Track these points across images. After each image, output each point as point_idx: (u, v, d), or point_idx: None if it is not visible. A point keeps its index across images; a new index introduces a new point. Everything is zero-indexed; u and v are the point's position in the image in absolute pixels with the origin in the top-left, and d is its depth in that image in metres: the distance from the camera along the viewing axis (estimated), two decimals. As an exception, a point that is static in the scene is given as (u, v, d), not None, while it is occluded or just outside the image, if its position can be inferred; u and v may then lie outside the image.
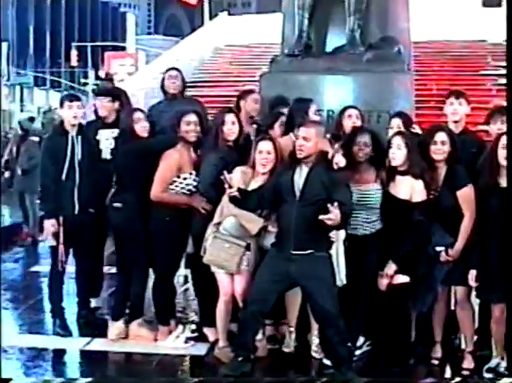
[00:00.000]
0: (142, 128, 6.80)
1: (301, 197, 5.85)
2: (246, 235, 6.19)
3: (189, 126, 6.59)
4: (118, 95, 7.85)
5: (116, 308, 7.05)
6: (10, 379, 5.43)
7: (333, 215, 5.53)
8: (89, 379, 6.14)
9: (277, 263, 5.95)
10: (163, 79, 8.12)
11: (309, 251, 5.83)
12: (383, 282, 6.03)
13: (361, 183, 6.21)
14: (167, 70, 8.28)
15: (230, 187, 5.96)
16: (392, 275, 6.00)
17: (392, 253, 6.01)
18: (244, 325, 6.11)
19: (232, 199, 6.03)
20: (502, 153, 5.81)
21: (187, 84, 8.25)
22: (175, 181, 6.55)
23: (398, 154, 6.02)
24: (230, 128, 6.54)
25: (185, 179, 6.55)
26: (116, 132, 7.32)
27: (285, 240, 5.92)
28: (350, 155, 6.24)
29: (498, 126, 6.45)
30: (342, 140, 6.51)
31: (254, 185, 6.20)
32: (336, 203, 5.56)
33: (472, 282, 5.97)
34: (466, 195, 5.98)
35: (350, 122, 6.81)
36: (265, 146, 6.21)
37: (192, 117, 6.67)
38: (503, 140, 5.84)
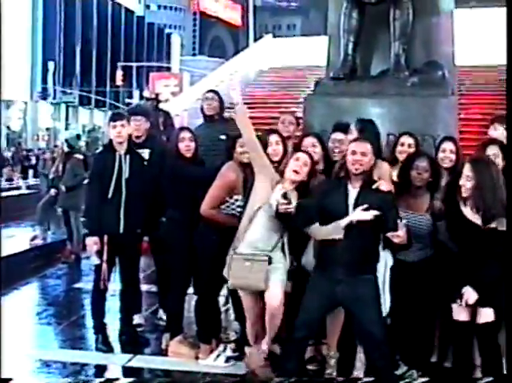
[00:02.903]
0: (186, 147, 6.87)
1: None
2: (264, 250, 6.04)
3: (243, 148, 6.54)
4: (148, 115, 7.92)
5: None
6: (10, 379, 5.50)
7: (402, 232, 5.47)
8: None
9: (323, 287, 5.77)
10: (202, 101, 8.20)
11: (356, 274, 5.70)
12: (460, 312, 5.77)
13: (415, 209, 6.22)
14: (205, 93, 8.36)
15: (289, 203, 5.93)
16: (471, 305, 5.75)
17: (466, 280, 5.74)
18: (290, 352, 5.97)
19: (282, 216, 5.97)
20: None
21: (226, 105, 8.27)
22: (226, 201, 6.55)
23: (467, 185, 5.72)
24: (275, 149, 6.57)
25: (236, 200, 6.54)
26: (146, 152, 7.41)
27: (332, 263, 5.73)
28: (407, 180, 6.28)
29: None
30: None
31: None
32: (403, 221, 5.54)
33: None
34: None
35: (402, 149, 6.82)
36: (303, 156, 6.21)
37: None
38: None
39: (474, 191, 5.59)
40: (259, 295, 6.13)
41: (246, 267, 5.99)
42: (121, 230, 7.04)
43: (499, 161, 6.07)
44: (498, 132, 6.85)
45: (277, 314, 6.04)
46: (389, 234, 5.50)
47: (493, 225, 5.52)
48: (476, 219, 5.61)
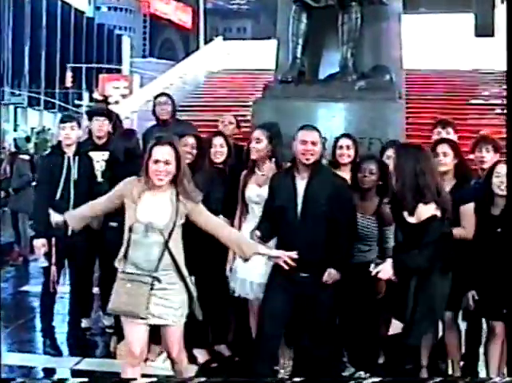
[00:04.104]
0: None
1: (303, 212, 5.75)
2: (149, 270, 5.13)
3: (186, 148, 6.62)
4: (112, 117, 7.94)
5: None
6: (12, 379, 5.47)
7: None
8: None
9: (282, 283, 5.74)
10: (154, 105, 8.22)
11: (315, 270, 5.73)
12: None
13: (363, 211, 6.33)
14: (157, 96, 8.37)
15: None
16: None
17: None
18: (261, 353, 5.89)
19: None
20: (496, 181, 5.91)
21: (178, 108, 8.32)
22: None
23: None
24: (219, 151, 6.72)
25: None
26: (106, 154, 7.39)
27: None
28: (355, 182, 6.37)
29: (482, 154, 6.63)
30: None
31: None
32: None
33: (471, 303, 6.01)
34: (468, 210, 6.04)
35: (340, 152, 6.91)
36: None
37: (190, 140, 6.78)
38: (498, 168, 5.94)
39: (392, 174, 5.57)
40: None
41: (127, 289, 5.14)
42: (69, 233, 7.01)
43: (449, 159, 6.18)
44: (441, 135, 7.00)
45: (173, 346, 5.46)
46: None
47: (424, 215, 5.34)
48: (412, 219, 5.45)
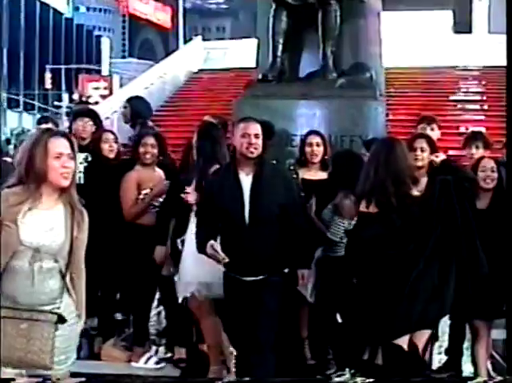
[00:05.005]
0: (110, 148, 6.88)
1: (252, 214, 5.34)
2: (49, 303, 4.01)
3: (146, 148, 6.71)
4: (95, 117, 7.90)
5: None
6: (12, 379, 5.43)
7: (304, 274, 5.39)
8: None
9: (236, 289, 5.44)
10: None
11: (264, 273, 5.38)
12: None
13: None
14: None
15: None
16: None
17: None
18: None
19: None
20: (481, 175, 5.94)
21: (158, 108, 8.31)
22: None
23: None
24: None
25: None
26: (89, 156, 7.39)
27: (237, 260, 5.28)
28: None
29: (472, 151, 6.68)
30: None
31: None
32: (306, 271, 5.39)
33: None
34: None
35: (310, 150, 6.90)
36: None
37: (150, 140, 6.80)
38: (483, 163, 6.00)
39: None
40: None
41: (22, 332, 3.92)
42: None
43: (426, 155, 6.20)
44: (426, 132, 7.03)
45: None
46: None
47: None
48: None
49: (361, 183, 5.37)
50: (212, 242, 5.23)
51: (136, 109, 8.27)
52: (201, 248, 5.36)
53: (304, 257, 5.63)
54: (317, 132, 7.04)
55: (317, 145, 6.86)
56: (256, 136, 5.36)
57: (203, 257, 5.40)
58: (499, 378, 5.72)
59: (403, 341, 5.27)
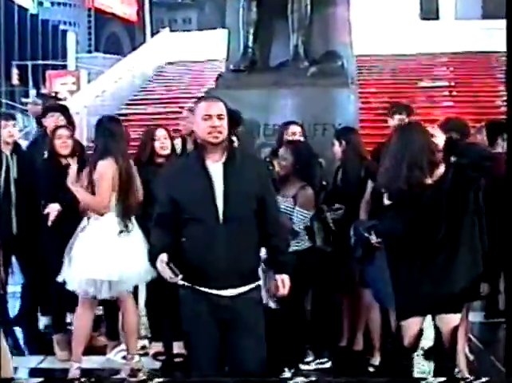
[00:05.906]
0: (63, 144, 6.74)
1: (226, 209, 4.43)
2: None
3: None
4: (66, 112, 7.83)
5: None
6: (11, 379, 5.39)
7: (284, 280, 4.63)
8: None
9: (200, 307, 4.51)
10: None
11: (239, 290, 4.51)
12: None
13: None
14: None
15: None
16: None
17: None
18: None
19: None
20: None
21: (127, 102, 8.25)
22: None
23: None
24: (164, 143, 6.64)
25: None
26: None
27: (207, 271, 4.44)
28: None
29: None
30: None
31: None
32: (285, 277, 4.63)
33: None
34: None
35: (293, 139, 6.87)
36: None
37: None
38: None
39: None
40: None
41: None
42: (14, 231, 6.91)
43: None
44: (395, 122, 7.10)
45: None
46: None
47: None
48: None
49: (382, 175, 5.25)
50: (163, 256, 4.32)
51: None
52: (153, 261, 4.50)
53: (281, 259, 4.79)
54: (295, 122, 7.05)
55: (300, 135, 6.87)
56: (219, 117, 4.47)
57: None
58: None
59: (415, 323, 5.29)
